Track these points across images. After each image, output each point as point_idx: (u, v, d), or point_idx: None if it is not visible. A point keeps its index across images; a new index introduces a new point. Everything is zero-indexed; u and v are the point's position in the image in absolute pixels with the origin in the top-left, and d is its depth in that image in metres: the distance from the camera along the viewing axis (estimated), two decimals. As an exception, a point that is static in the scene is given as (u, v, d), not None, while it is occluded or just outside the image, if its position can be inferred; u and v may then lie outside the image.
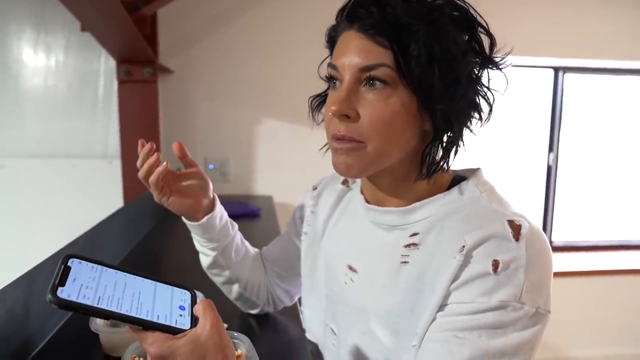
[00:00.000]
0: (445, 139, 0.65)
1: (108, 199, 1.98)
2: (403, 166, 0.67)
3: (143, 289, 0.55)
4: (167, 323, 0.53)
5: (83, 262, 0.52)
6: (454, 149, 0.65)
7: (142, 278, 0.56)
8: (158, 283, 0.57)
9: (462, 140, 0.65)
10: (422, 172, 0.66)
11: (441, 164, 0.66)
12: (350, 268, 0.75)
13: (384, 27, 0.59)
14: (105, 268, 0.53)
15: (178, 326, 0.54)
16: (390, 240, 0.70)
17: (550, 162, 2.80)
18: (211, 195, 0.83)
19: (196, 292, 0.60)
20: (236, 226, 0.90)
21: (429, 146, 0.65)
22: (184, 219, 0.83)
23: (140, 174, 0.76)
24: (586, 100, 2.81)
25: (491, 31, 0.63)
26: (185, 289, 0.59)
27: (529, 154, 2.83)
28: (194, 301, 0.57)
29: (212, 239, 0.84)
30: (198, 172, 0.81)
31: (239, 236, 0.90)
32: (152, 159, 0.75)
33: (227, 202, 2.05)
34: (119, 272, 0.54)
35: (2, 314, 0.74)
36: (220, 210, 0.84)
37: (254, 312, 0.97)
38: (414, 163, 0.67)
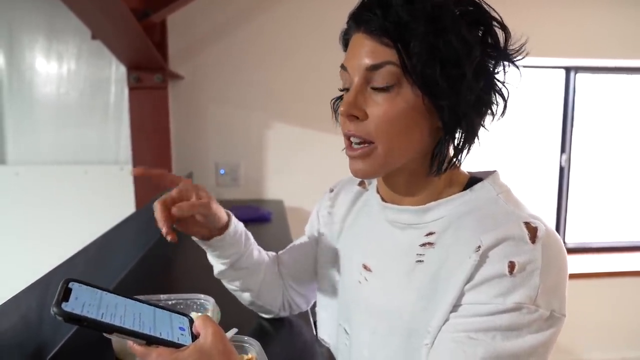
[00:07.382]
0: (457, 135, 0.65)
1: (120, 204, 1.99)
2: (416, 164, 0.68)
3: (143, 311, 0.56)
4: (170, 339, 0.54)
5: (83, 285, 0.53)
6: (465, 146, 0.65)
7: (140, 303, 0.57)
8: (156, 308, 0.58)
9: (474, 136, 0.65)
10: (432, 169, 0.66)
11: (453, 160, 0.66)
12: (365, 267, 0.75)
13: (387, 28, 0.61)
14: (104, 292, 0.54)
15: (181, 342, 0.54)
16: (405, 239, 0.70)
17: (563, 163, 2.77)
18: (223, 215, 0.78)
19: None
20: (251, 239, 0.87)
21: (440, 143, 0.65)
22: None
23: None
24: (598, 100, 2.77)
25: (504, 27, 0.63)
26: (183, 315, 0.60)
27: (541, 155, 2.81)
28: (192, 325, 0.58)
29: (221, 256, 0.82)
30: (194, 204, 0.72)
31: (252, 248, 0.87)
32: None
33: (238, 206, 2.08)
34: (118, 296, 0.55)
35: (16, 320, 0.74)
36: (233, 230, 0.80)
37: (268, 316, 0.97)
38: (427, 160, 0.67)
